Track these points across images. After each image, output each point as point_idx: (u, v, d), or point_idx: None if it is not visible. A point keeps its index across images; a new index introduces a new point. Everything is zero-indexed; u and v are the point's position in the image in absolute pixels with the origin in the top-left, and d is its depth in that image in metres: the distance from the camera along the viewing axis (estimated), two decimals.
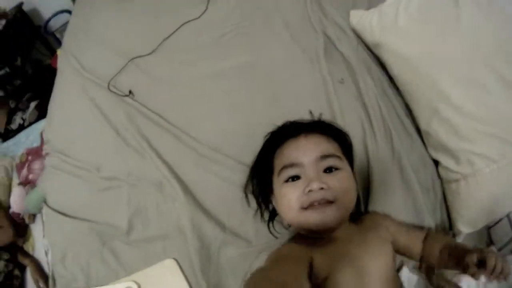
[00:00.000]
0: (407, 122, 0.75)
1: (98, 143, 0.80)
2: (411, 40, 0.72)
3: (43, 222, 0.97)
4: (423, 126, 0.74)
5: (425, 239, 0.59)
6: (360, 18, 0.84)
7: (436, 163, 0.74)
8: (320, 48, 0.78)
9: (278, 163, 0.55)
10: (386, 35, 0.76)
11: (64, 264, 0.73)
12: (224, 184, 0.68)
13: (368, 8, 0.86)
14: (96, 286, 0.68)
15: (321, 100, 0.72)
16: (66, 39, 1.13)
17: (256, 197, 0.62)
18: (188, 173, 0.71)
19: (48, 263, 0.88)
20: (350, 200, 0.53)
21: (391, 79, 0.79)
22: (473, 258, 0.47)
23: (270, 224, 0.62)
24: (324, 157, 0.52)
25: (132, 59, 0.88)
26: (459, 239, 0.72)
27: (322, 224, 0.51)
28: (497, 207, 0.68)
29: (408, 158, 0.70)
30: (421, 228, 0.64)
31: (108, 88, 0.85)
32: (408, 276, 0.69)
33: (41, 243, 0.98)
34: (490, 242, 0.78)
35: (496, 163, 0.65)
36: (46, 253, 0.90)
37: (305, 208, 0.51)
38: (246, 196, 0.64)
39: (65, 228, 0.74)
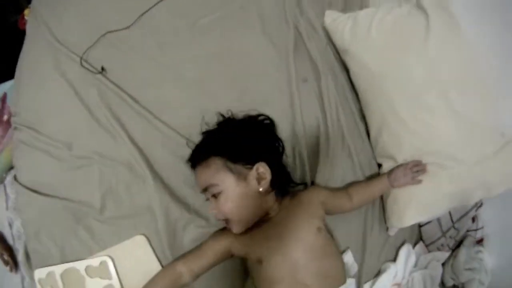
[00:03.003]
0: (361, 126, 0.81)
1: (70, 121, 0.80)
2: (377, 54, 0.76)
3: (5, 194, 0.96)
4: (373, 133, 0.81)
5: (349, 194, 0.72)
6: (334, 20, 0.86)
7: (379, 165, 0.82)
8: (290, 44, 0.80)
9: None
10: (355, 43, 0.79)
11: (39, 240, 0.76)
12: (189, 168, 0.72)
13: (342, 10, 0.89)
14: (71, 261, 0.73)
15: (284, 97, 0.77)
16: (36, 2, 1.07)
17: None
18: (157, 156, 0.75)
19: (12, 236, 0.89)
20: (239, 214, 0.63)
21: (352, 84, 0.84)
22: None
23: None
24: (204, 190, 0.65)
25: (106, 33, 0.87)
26: (392, 233, 0.81)
27: (235, 232, 0.64)
28: (428, 212, 0.77)
29: (357, 156, 0.77)
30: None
31: (81, 64, 0.84)
32: (407, 252, 0.79)
33: (3, 215, 0.98)
34: (420, 238, 0.88)
35: (429, 176, 0.73)
36: (10, 226, 0.91)
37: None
38: None
39: (37, 205, 0.76)
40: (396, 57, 0.73)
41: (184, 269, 0.66)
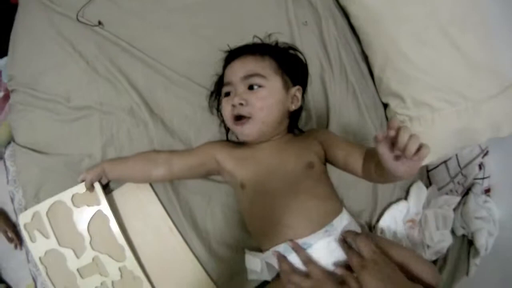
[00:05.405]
0: (363, 66, 0.81)
1: (67, 74, 0.78)
2: None
3: (6, 168, 0.94)
4: (376, 72, 0.80)
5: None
6: None
7: (385, 106, 0.81)
8: None
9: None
10: None
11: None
12: (192, 108, 0.73)
13: None
14: None
15: (285, 39, 0.75)
16: None
17: (217, 109, 0.71)
18: (158, 98, 0.74)
19: (14, 211, 0.85)
20: (267, 114, 0.61)
21: (353, 30, 0.84)
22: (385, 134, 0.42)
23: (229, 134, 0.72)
24: (248, 76, 0.60)
25: None
26: None
27: (243, 136, 0.62)
28: (437, 151, 0.76)
29: (361, 96, 0.76)
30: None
31: (77, 19, 0.83)
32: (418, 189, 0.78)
33: (5, 190, 0.94)
34: (429, 183, 0.86)
35: (438, 111, 0.73)
36: (12, 200, 0.87)
37: (235, 122, 0.61)
38: (210, 105, 0.73)
39: (37, 164, 0.73)
40: None
41: (165, 158, 0.66)
